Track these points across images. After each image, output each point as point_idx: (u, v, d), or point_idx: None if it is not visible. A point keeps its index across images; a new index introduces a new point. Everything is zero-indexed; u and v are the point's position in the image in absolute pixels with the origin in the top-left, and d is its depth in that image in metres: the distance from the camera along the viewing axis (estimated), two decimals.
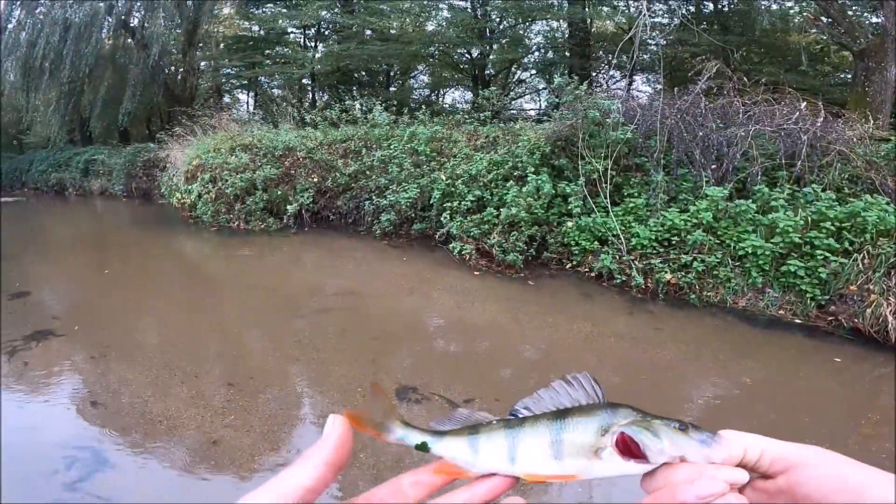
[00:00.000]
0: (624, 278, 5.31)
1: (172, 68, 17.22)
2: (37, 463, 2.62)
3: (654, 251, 5.33)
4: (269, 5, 16.45)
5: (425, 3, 14.25)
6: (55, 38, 14.01)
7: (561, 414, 0.43)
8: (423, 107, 9.54)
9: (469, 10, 14.20)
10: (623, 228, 5.62)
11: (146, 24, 15.01)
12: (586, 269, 5.71)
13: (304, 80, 16.87)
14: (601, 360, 4.02)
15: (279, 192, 8.48)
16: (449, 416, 0.46)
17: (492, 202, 6.44)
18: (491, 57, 15.09)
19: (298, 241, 7.68)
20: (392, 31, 14.22)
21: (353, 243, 7.41)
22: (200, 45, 16.70)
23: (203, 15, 15.42)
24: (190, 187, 9.29)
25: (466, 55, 15.47)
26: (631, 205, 5.81)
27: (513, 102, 16.29)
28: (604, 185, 6.01)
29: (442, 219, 6.63)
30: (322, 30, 16.98)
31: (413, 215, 7.30)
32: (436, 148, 7.84)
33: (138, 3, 15.04)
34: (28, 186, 17.78)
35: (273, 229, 8.27)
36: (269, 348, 4.09)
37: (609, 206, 5.85)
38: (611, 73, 13.29)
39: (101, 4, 14.29)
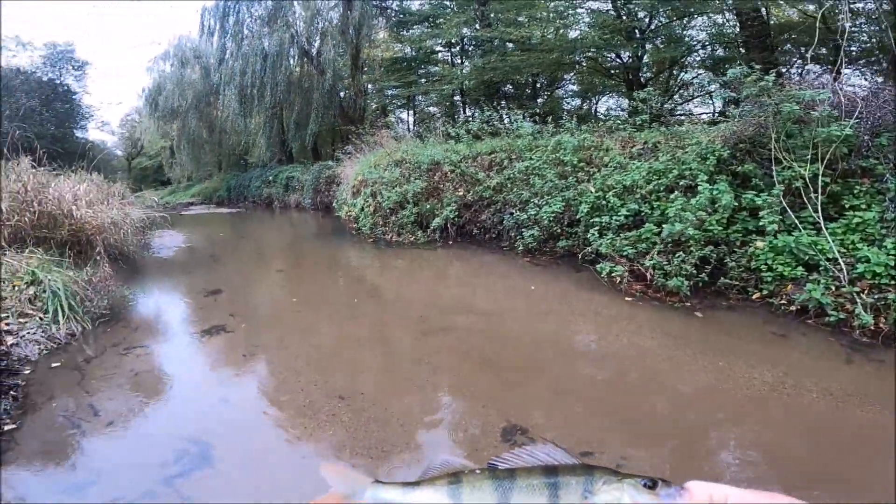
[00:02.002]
0: (842, 315, 3.78)
1: (344, 92, 18.64)
2: (150, 452, 2.62)
3: (894, 282, 3.71)
4: (416, 27, 17.09)
5: (560, 8, 13.16)
6: (257, 67, 16.34)
7: (550, 472, 0.45)
8: (573, 116, 8.66)
9: (611, 11, 12.66)
10: (844, 251, 4.06)
11: (321, 52, 16.73)
12: (783, 302, 4.24)
13: (455, 97, 17.11)
14: (791, 422, 2.78)
15: (428, 206, 8.43)
16: (428, 466, 0.48)
17: (651, 217, 5.29)
18: (645, 59, 13.25)
19: (443, 255, 7.44)
20: (532, 41, 13.45)
21: (495, 259, 6.87)
22: (365, 68, 18.01)
23: (362, 40, 16.63)
24: (354, 201, 9.90)
25: (616, 59, 13.86)
26: (856, 220, 4.18)
27: (678, 107, 14.09)
28: (812, 196, 4.45)
29: (589, 235, 5.66)
30: (465, 46, 17.03)
31: (558, 231, 6.45)
32: (584, 157, 6.87)
33: (314, 31, 16.80)
34: (248, 199, 20.86)
35: (421, 242, 8.21)
36: (389, 364, 3.73)
37: (821, 221, 4.30)
38: (806, 67, 10.53)
39: (286, 35, 16.27)
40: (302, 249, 9.55)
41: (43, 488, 2.37)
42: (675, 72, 14.38)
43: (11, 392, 3.04)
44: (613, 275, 5.07)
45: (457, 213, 8.08)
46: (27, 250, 5.52)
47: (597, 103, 17.16)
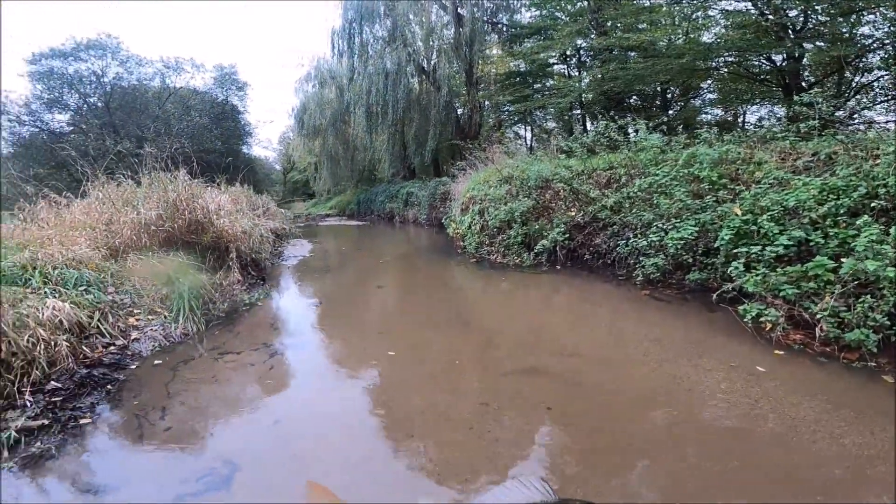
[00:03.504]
0: None
1: (460, 109, 18.77)
2: (182, 465, 2.43)
3: None
4: (528, 41, 16.38)
5: (687, 11, 11.40)
6: (381, 85, 17.14)
7: None
8: (712, 127, 7.29)
9: (751, 10, 10.56)
10: None
11: (436, 68, 16.96)
12: None
13: (574, 111, 16.05)
14: None
15: (536, 226, 7.72)
16: None
17: (826, 248, 3.96)
18: (805, 60, 10.86)
19: (548, 282, 6.63)
20: (657, 47, 11.90)
21: (608, 290, 5.87)
22: (479, 84, 17.84)
23: (475, 56, 16.47)
24: (462, 218, 9.60)
25: (766, 62, 11.62)
26: None
27: (856, 115, 11.30)
28: None
29: (731, 269, 4.44)
30: (582, 57, 15.84)
31: (688, 260, 5.26)
32: (726, 173, 5.59)
33: (430, 49, 17.19)
34: (374, 213, 22.05)
35: (526, 265, 7.51)
36: (450, 403, 3.12)
37: None
38: None
39: (404, 53, 16.80)
40: (406, 266, 9.49)
41: (61, 488, 2.33)
42: (847, 74, 11.62)
43: (108, 386, 3.17)
44: (763, 320, 3.87)
45: (567, 236, 7.24)
46: (173, 252, 6.14)
47: (744, 113, 14.71)
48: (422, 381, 3.50)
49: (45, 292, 3.99)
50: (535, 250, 7.46)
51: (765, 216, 4.48)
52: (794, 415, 2.77)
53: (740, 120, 14.40)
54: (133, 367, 3.52)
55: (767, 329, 3.84)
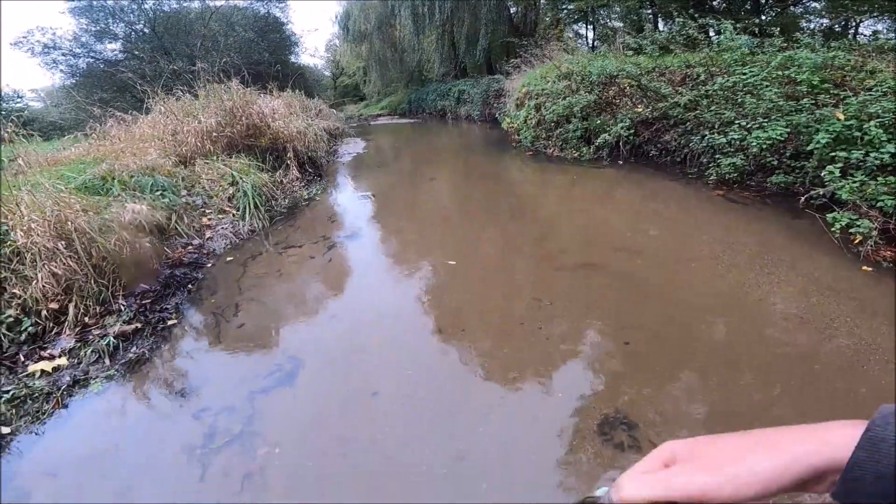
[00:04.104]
0: None
1: (514, 7, 17.29)
2: (252, 362, 2.66)
3: None
4: None
5: None
6: None
7: None
8: (815, 34, 6.13)
9: None
10: None
11: None
12: None
13: (646, 10, 13.80)
14: None
15: (598, 121, 7.13)
16: None
17: None
18: None
19: (610, 176, 6.21)
20: None
21: (675, 187, 5.41)
22: None
23: None
24: (517, 113, 9.24)
25: None
26: None
27: None
28: None
29: (825, 173, 3.89)
30: None
31: (773, 163, 4.69)
32: (831, 78, 4.77)
33: None
34: (425, 111, 21.82)
35: (585, 159, 7.11)
36: (503, 298, 3.15)
37: None
38: None
39: None
40: (460, 158, 9.24)
41: (159, 394, 2.59)
42: None
43: (189, 286, 3.45)
44: (853, 231, 3.46)
45: (632, 132, 6.64)
46: (235, 155, 6.34)
47: (857, 24, 12.07)
48: (475, 275, 3.52)
49: (125, 198, 4.26)
50: (596, 144, 6.98)
51: (873, 122, 3.81)
52: (871, 341, 2.54)
53: (851, 32, 11.87)
54: (209, 265, 3.79)
55: (856, 242, 3.43)
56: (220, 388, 2.57)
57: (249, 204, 5.24)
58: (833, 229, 3.57)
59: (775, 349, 2.55)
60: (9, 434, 2.35)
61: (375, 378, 2.60)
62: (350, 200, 6.23)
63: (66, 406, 2.53)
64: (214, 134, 6.31)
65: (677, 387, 2.32)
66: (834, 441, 0.37)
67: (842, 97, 4.45)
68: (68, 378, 2.64)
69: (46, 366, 2.69)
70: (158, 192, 4.71)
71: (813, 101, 4.59)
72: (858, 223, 3.43)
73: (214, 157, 6.05)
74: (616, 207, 5.18)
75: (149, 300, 3.25)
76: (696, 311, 2.88)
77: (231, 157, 6.24)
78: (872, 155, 3.66)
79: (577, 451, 2.03)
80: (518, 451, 2.09)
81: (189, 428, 2.40)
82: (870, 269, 3.23)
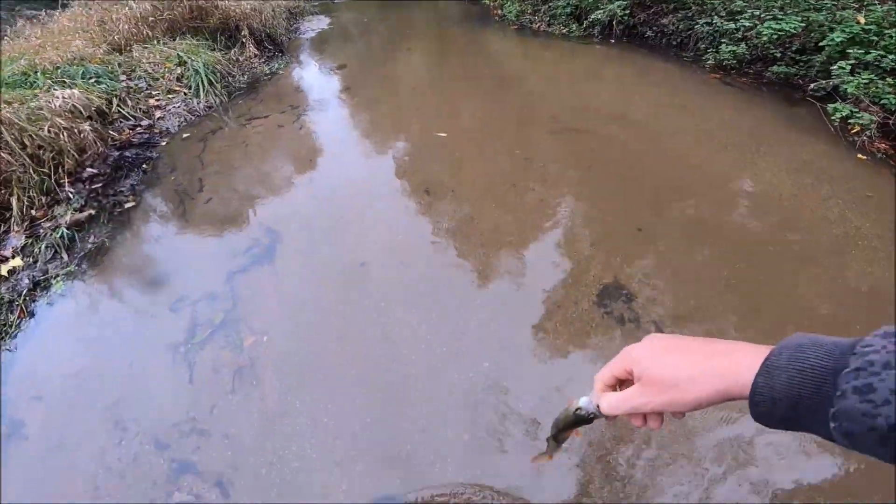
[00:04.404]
0: None
1: None
2: (228, 240, 2.51)
3: None
4: None
5: None
6: None
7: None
8: None
9: None
10: None
11: None
12: None
13: None
14: None
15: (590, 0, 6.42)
16: None
17: None
18: None
19: (601, 54, 5.71)
20: None
21: (669, 68, 5.02)
22: None
23: None
24: None
25: None
26: None
27: None
28: None
29: (835, 68, 3.69)
30: None
31: (776, 55, 4.38)
32: None
33: None
34: None
35: (574, 36, 6.50)
36: (493, 160, 2.99)
37: None
38: None
39: None
40: (437, 32, 8.32)
41: (128, 286, 2.41)
42: None
43: (143, 165, 3.09)
44: (852, 122, 3.33)
45: (628, 12, 6.00)
46: (179, 38, 5.58)
47: None
48: (460, 140, 3.29)
49: (53, 87, 3.67)
50: (588, 20, 6.36)
51: (893, 30, 3.61)
52: (860, 226, 2.55)
53: None
54: (163, 143, 3.39)
55: (853, 131, 3.34)
56: (195, 272, 2.40)
57: (203, 81, 4.64)
58: (833, 118, 3.44)
59: (769, 227, 2.54)
60: None
61: (361, 248, 2.45)
62: (317, 74, 5.62)
63: (32, 314, 2.33)
64: (151, 19, 5.58)
65: (654, 253, 2.31)
66: (746, 364, 0.43)
67: (865, 3, 4.14)
68: (27, 281, 2.40)
69: (1, 269, 2.43)
70: (92, 80, 4.10)
71: (835, 2, 4.29)
72: (859, 115, 3.32)
73: (154, 42, 5.34)
74: (607, 83, 4.83)
75: (99, 184, 2.91)
76: (692, 180, 2.79)
77: (175, 40, 5.50)
78: (890, 58, 3.51)
79: (573, 317, 2.03)
80: (517, 324, 2.07)
81: (168, 323, 2.27)
82: (865, 157, 3.18)
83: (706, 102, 4.03)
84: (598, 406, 0.57)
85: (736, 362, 0.44)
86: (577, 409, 0.59)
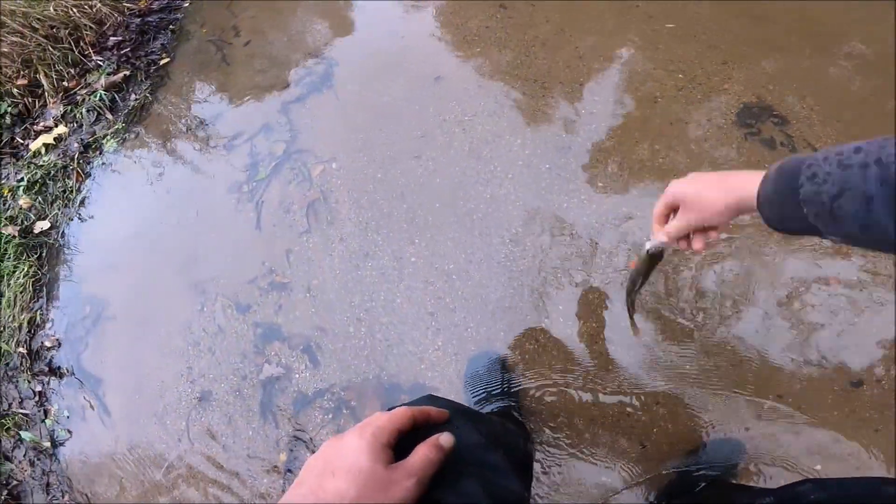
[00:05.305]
0: None
1: None
2: (275, 73, 2.11)
3: None
4: None
5: None
6: None
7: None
8: None
9: None
10: None
11: None
12: None
13: None
14: None
15: None
16: None
17: None
18: None
19: None
20: None
21: None
22: None
23: None
24: None
25: None
26: None
27: None
28: None
29: None
30: None
31: None
32: None
33: None
34: None
35: None
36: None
37: None
38: None
39: None
40: None
41: (177, 134, 2.13)
42: None
43: (170, 27, 2.71)
44: None
45: None
46: None
47: None
48: None
49: None
50: None
51: None
52: None
53: None
54: (186, 4, 2.96)
55: None
56: (246, 110, 2.07)
57: None
58: None
59: None
60: (50, 229, 2.03)
61: (434, 60, 1.96)
62: None
63: (89, 175, 2.13)
64: None
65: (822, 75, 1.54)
66: (753, 181, 0.56)
67: None
68: (76, 144, 2.20)
69: (47, 138, 2.24)
70: None
71: None
72: None
73: None
74: None
75: (127, 48, 2.59)
76: None
77: None
78: None
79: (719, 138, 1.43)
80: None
81: (228, 163, 1.97)
82: None
83: None
84: (660, 241, 0.72)
85: (746, 180, 0.56)
86: (647, 251, 0.78)
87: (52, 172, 2.15)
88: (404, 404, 0.54)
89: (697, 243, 0.67)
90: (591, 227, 1.53)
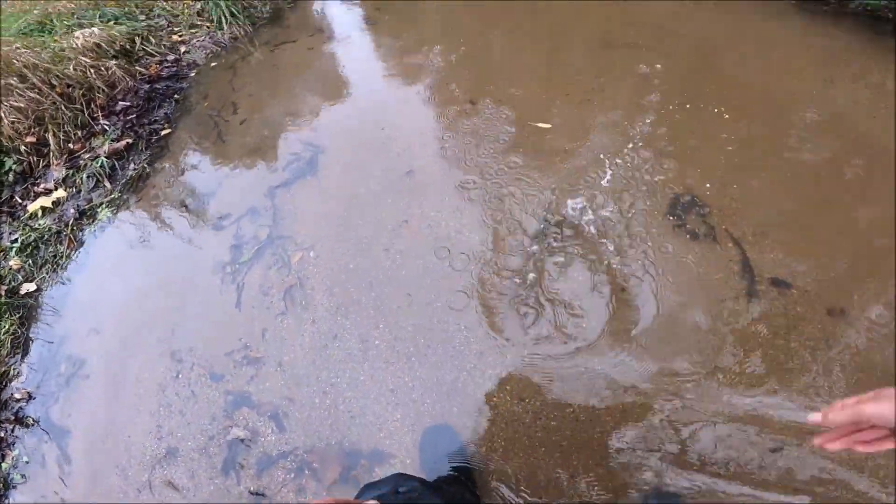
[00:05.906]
0: None
1: None
2: (266, 155, 2.26)
3: None
4: None
5: None
6: None
7: None
8: None
9: None
10: None
11: None
12: None
13: None
14: None
15: None
16: None
17: None
18: None
19: None
20: None
21: None
22: None
23: None
24: None
25: None
26: None
27: None
28: None
29: None
30: None
31: None
32: None
33: None
34: None
35: None
36: (538, 72, 2.41)
37: None
38: None
39: None
40: None
41: (170, 209, 2.23)
42: None
43: (175, 96, 2.87)
44: None
45: None
46: None
47: None
48: (510, 45, 2.73)
49: (72, 29, 3.51)
50: None
51: None
52: None
53: None
54: (192, 74, 3.15)
55: None
56: (236, 189, 2.18)
57: (224, 13, 4.28)
58: None
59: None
60: (35, 291, 2.11)
61: (407, 155, 2.11)
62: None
63: (81, 243, 2.23)
64: None
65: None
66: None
67: None
68: (73, 210, 2.29)
69: (45, 201, 2.33)
70: (110, 21, 3.92)
71: None
72: None
73: None
74: None
75: (133, 115, 2.74)
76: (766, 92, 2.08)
77: None
78: None
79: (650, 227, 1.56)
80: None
81: (214, 242, 2.07)
82: None
83: (779, 26, 2.94)
84: None
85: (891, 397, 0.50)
86: None
87: (46, 236, 2.23)
88: (377, 480, 0.60)
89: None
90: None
